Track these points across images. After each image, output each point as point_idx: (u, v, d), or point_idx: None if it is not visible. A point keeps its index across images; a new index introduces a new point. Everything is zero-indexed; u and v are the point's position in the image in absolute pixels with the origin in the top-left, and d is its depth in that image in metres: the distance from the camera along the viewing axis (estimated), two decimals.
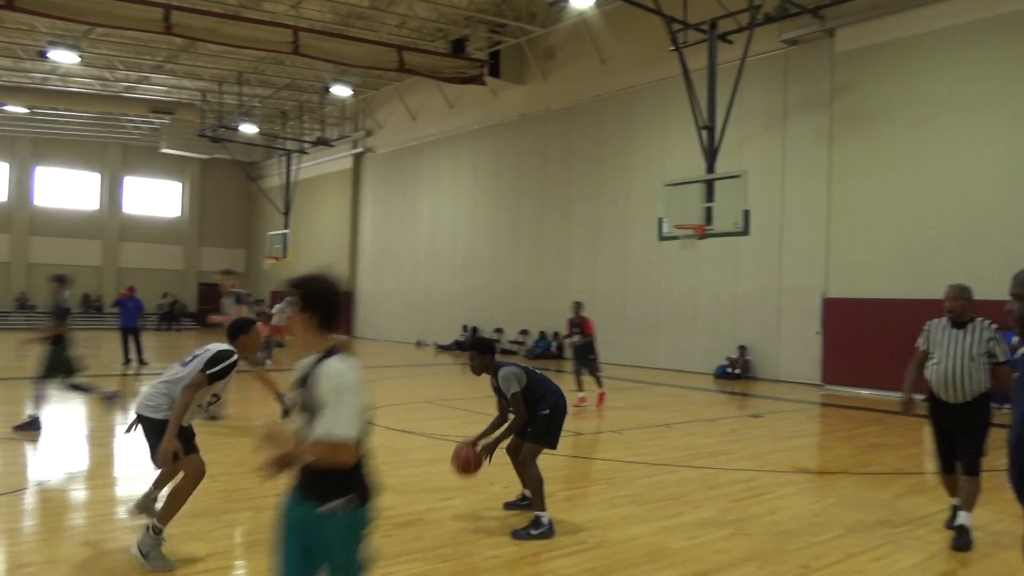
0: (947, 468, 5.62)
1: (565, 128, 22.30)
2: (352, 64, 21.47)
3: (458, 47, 22.60)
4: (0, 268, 34.66)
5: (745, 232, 13.52)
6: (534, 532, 5.33)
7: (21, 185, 35.14)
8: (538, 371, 5.88)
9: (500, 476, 7.16)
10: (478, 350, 5.73)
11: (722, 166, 14.47)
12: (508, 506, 5.98)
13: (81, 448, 8.64)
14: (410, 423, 10.02)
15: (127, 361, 17.48)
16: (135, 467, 7.92)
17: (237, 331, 5.10)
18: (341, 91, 24.51)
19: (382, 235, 30.43)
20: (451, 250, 26.53)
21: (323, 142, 27.69)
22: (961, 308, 5.44)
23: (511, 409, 5.67)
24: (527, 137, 23.64)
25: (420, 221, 28.29)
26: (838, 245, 15.62)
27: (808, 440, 10.46)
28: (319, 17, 20.70)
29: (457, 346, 24.17)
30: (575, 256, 21.87)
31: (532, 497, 5.54)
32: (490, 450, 5.65)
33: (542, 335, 22.41)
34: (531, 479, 5.56)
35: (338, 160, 32.21)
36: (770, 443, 9.66)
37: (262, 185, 37.33)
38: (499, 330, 23.96)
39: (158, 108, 29.05)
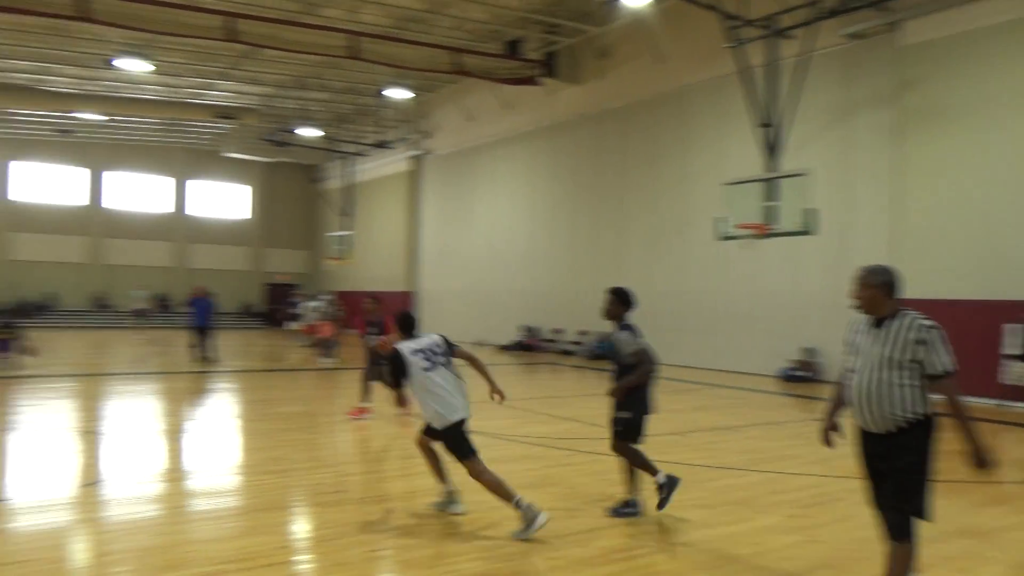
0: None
1: (621, 127, 22.13)
2: (408, 67, 21.68)
3: (513, 48, 22.64)
4: (79, 269, 36.08)
5: (810, 231, 13.21)
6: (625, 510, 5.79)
7: (96, 189, 36.56)
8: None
9: (564, 477, 7.14)
10: (618, 296, 5.84)
11: (784, 164, 14.16)
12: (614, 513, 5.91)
13: (152, 443, 8.92)
14: (469, 422, 10.05)
15: (199, 358, 17.97)
16: (201, 463, 8.15)
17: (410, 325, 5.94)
18: (398, 94, 24.79)
19: (442, 236, 30.68)
20: (508, 251, 26.60)
21: (382, 145, 28.05)
22: (870, 298, 3.93)
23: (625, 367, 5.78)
24: (583, 137, 23.54)
25: (478, 222, 28.43)
26: (904, 244, 15.11)
27: None
28: (375, 21, 20.96)
29: (519, 346, 24.21)
30: (632, 256, 21.68)
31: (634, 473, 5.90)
32: (616, 392, 5.79)
33: (601, 336, 22.27)
34: (632, 455, 5.85)
35: (396, 162, 32.59)
36: (839, 448, 9.39)
37: (323, 187, 38.05)
38: (558, 330, 23.91)
39: (223, 113, 29.83)
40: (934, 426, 3.88)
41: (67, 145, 34.99)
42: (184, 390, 14.27)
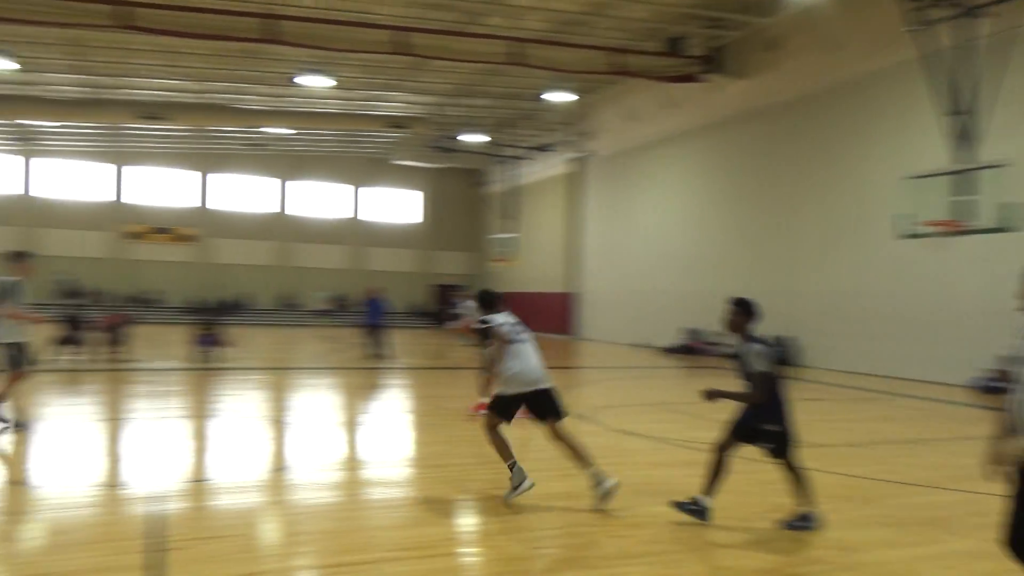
0: None
1: (792, 121, 21.08)
2: (569, 70, 21.81)
3: (675, 45, 22.16)
4: (268, 271, 39.28)
5: (1010, 228, 11.98)
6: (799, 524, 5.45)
7: (283, 198, 39.65)
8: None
9: (730, 485, 6.90)
10: (742, 307, 5.62)
11: (980, 155, 12.91)
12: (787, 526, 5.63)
13: (331, 434, 9.51)
14: (634, 425, 9.96)
15: (372, 356, 18.98)
16: (375, 454, 8.59)
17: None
18: (559, 97, 24.98)
19: (604, 237, 30.60)
20: (672, 252, 26.08)
21: (543, 148, 28.39)
22: None
23: (748, 383, 5.53)
24: (750, 133, 22.65)
25: (640, 223, 28.10)
26: None
27: None
28: (536, 27, 21.25)
29: (682, 349, 23.70)
30: (806, 257, 20.58)
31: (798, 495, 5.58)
32: (715, 395, 5.54)
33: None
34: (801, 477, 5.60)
35: (558, 165, 32.88)
36: None
37: (488, 191, 39.07)
38: (723, 333, 23.16)
39: (395, 123, 31.39)
40: None
41: (258, 157, 38.21)
42: (359, 385, 15.12)
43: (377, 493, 6.65)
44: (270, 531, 5.52)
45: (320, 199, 40.42)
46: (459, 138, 30.10)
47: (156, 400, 11.78)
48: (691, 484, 5.64)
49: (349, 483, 7.02)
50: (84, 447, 8.28)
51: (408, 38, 18.99)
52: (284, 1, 18.63)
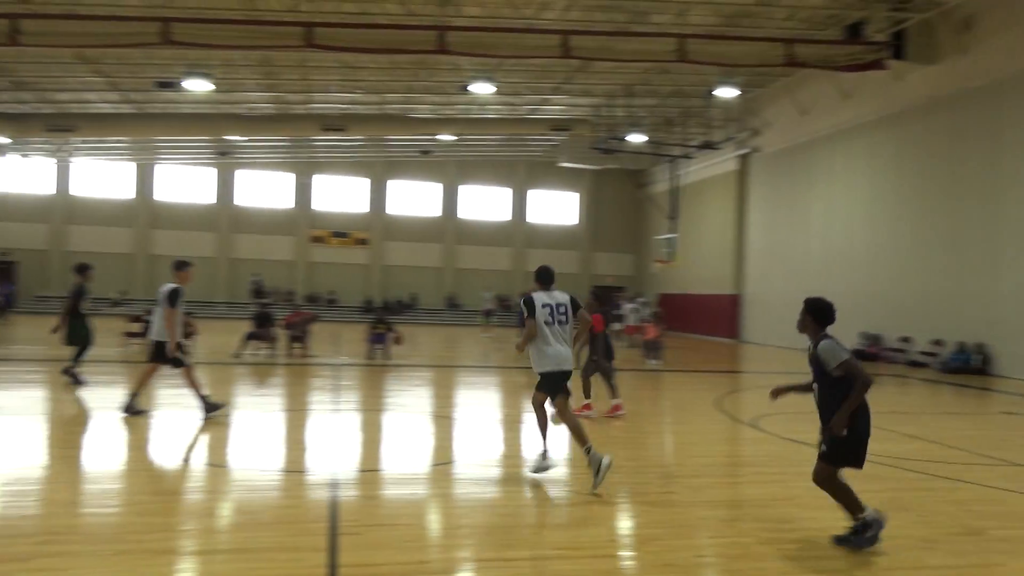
0: None
1: (989, 108, 19.19)
2: (738, 64, 21.02)
3: (854, 32, 20.78)
4: (435, 273, 40.94)
5: None
6: (856, 538, 4.99)
7: (449, 202, 41.16)
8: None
9: (918, 503, 6.42)
10: (812, 312, 5.20)
11: None
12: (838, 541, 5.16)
13: (493, 430, 9.74)
14: (800, 433, 9.46)
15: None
16: (535, 452, 8.70)
17: None
18: (727, 93, 24.19)
19: (770, 237, 29.32)
20: (847, 252, 24.52)
21: (708, 146, 27.63)
22: None
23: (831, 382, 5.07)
24: (938, 122, 20.86)
25: (811, 221, 26.65)
26: None
27: None
28: (703, 21, 20.67)
29: (860, 355, 22.21)
30: (1005, 256, 18.67)
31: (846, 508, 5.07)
32: (780, 392, 5.39)
33: (960, 346, 19.52)
34: (833, 487, 5.07)
35: (723, 163, 31.87)
36: None
37: (649, 192, 38.56)
38: (906, 339, 21.49)
39: (557, 126, 31.70)
40: None
41: (425, 163, 39.91)
42: (521, 384, 15.39)
43: (537, 490, 6.74)
44: (435, 522, 5.73)
45: (483, 202, 41.61)
46: (622, 139, 29.89)
47: (333, 393, 12.58)
48: (869, 500, 5.26)
49: (510, 479, 7.16)
50: (269, 435, 9.00)
51: (573, 41, 19.08)
52: (453, 13, 19.34)
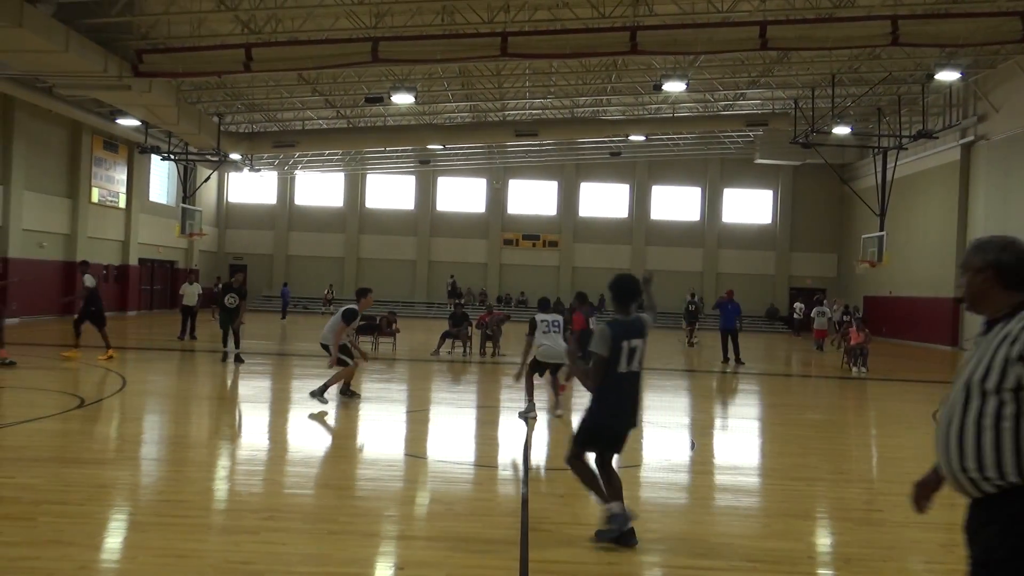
0: None
1: None
2: (963, 44, 19.07)
3: None
4: (694, 278, 40.75)
5: None
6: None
7: (640, 203, 40.81)
8: None
9: None
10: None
11: None
12: None
13: (682, 435, 9.52)
14: None
15: (725, 360, 18.67)
16: (727, 459, 8.41)
17: None
18: (947, 76, 22.02)
19: (1000, 232, 26.29)
20: None
21: (925, 135, 25.24)
22: (974, 288, 2.53)
23: None
24: None
25: None
26: None
27: None
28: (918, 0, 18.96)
29: None
30: None
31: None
32: None
33: None
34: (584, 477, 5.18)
35: (942, 153, 29.01)
36: None
37: (855, 187, 35.94)
38: None
39: (753, 121, 30.43)
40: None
41: (614, 165, 39.82)
42: (711, 388, 14.95)
43: (728, 500, 6.52)
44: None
45: (673, 203, 40.82)
46: (825, 131, 28.11)
47: (521, 392, 12.88)
48: None
49: (701, 487, 6.98)
50: (463, 430, 9.39)
51: (771, 32, 18.20)
52: (645, 12, 19.10)
